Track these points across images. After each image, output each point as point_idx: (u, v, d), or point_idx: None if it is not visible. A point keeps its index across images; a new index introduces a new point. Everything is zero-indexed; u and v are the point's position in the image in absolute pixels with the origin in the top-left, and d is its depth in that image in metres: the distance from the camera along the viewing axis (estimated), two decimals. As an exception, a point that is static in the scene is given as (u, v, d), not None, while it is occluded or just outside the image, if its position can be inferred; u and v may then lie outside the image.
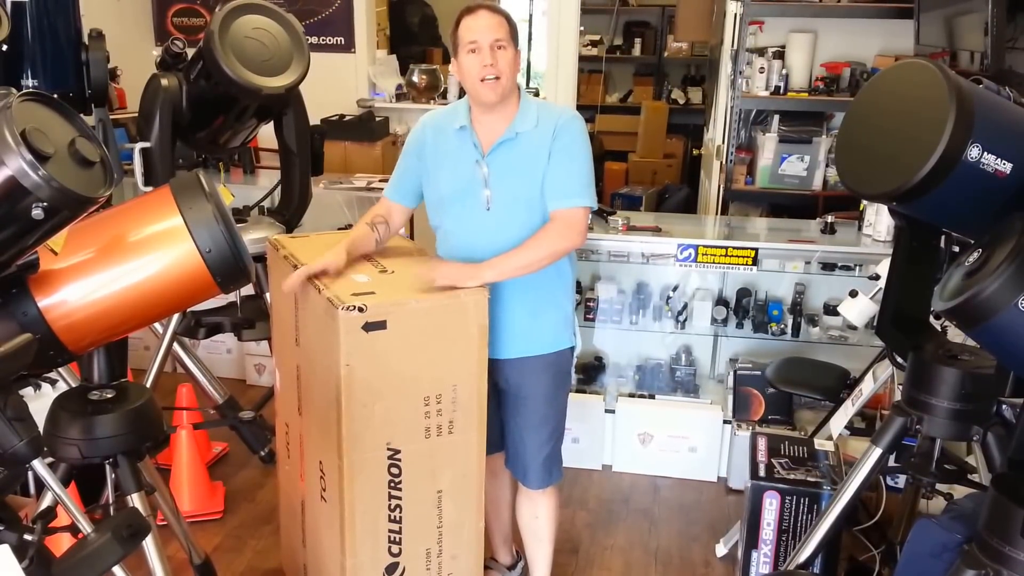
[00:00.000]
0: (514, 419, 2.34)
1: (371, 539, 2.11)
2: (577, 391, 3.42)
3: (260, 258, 2.60)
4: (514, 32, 2.16)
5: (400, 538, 2.14)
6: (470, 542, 2.26)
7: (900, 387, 2.17)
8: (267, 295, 2.92)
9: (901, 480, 2.60)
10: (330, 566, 2.21)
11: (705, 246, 3.28)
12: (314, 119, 3.32)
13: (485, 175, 2.19)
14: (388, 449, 2.06)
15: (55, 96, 1.40)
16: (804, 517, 2.54)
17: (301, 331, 2.24)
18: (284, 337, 2.41)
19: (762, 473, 2.59)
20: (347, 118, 5.00)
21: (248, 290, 2.97)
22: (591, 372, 3.60)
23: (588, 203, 2.18)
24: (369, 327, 1.94)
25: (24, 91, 1.33)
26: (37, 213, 1.29)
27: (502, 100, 2.15)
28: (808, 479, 2.56)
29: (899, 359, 2.11)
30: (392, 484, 2.09)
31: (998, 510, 1.58)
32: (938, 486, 2.11)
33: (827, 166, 4.34)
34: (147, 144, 2.75)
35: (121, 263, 1.62)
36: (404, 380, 2.04)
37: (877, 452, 2.08)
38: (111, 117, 2.96)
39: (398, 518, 2.12)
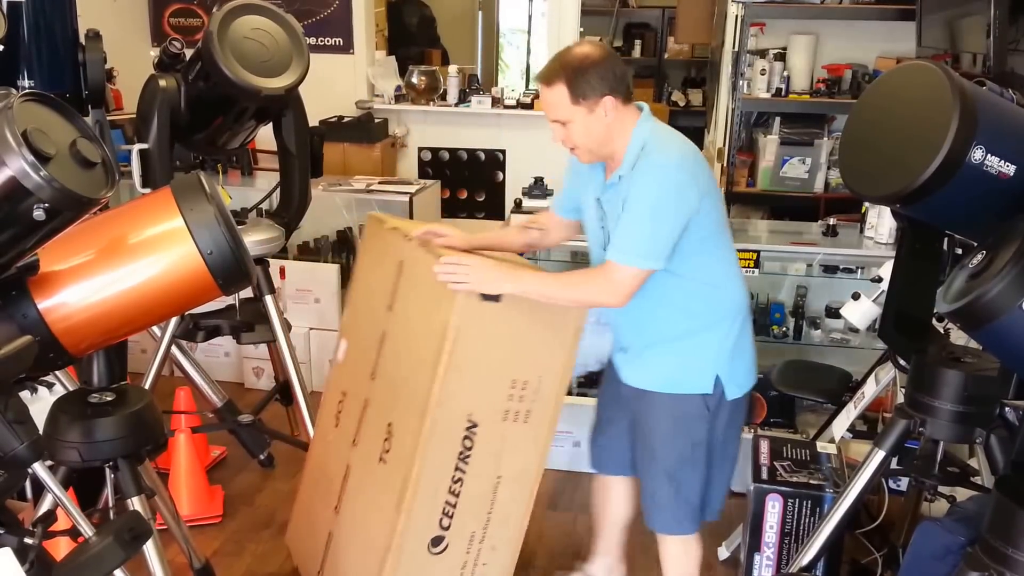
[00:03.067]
0: (635, 445, 2.31)
1: (429, 505, 2.13)
2: (579, 395, 3.41)
3: (260, 260, 2.59)
4: (576, 95, 1.96)
5: (453, 512, 2.17)
6: (511, 539, 2.29)
7: (902, 390, 2.17)
8: (267, 298, 2.92)
9: (904, 483, 2.59)
10: (372, 529, 2.22)
11: (706, 248, 3.26)
12: (313, 120, 3.31)
13: (601, 213, 2.14)
14: (468, 421, 2.10)
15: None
16: (807, 520, 2.53)
17: (400, 296, 2.27)
18: (371, 303, 2.43)
19: (765, 476, 2.59)
20: (346, 120, 4.98)
21: (247, 293, 2.96)
22: (593, 376, 3.59)
23: (638, 264, 1.97)
24: (486, 296, 2.00)
25: (25, 91, 1.32)
26: (38, 214, 1.28)
27: (595, 160, 2.10)
28: (811, 482, 2.55)
29: (902, 361, 2.11)
30: (461, 456, 2.12)
31: (1001, 512, 1.58)
32: (941, 488, 2.12)
33: (829, 168, 4.34)
34: (145, 146, 2.74)
35: (122, 265, 1.61)
36: (501, 357, 2.09)
37: (880, 455, 2.08)
38: (108, 118, 2.95)
39: (457, 491, 2.15)
